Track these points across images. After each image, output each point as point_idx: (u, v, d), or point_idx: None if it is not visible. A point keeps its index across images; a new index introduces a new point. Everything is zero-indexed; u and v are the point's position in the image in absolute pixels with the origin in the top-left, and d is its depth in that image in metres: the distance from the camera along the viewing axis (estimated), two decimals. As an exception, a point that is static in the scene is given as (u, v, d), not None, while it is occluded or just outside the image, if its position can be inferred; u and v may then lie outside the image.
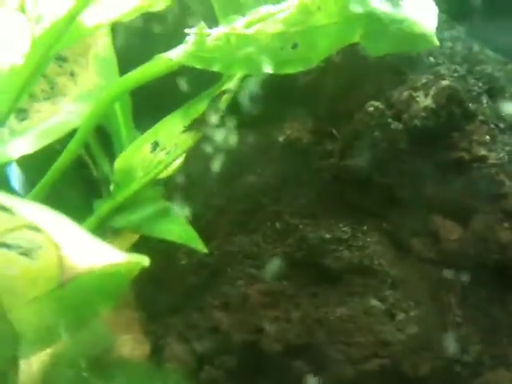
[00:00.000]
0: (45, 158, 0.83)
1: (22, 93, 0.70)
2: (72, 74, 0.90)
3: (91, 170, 0.97)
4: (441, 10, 0.83)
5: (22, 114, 0.86)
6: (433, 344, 0.70)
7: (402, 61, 0.74)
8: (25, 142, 0.83)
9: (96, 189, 0.95)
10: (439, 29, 0.80)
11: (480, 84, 0.75)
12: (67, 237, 0.49)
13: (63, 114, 0.87)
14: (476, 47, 0.84)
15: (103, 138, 0.93)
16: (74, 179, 0.98)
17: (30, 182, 0.97)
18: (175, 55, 0.72)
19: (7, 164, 0.86)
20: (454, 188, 0.71)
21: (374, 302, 0.69)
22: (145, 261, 0.53)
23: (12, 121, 0.85)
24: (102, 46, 0.89)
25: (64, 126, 0.85)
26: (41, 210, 0.55)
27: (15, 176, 1.06)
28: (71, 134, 0.81)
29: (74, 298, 0.60)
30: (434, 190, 0.72)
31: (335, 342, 0.69)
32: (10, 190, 0.98)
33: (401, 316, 0.69)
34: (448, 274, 0.71)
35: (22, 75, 0.68)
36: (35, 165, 0.86)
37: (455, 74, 0.73)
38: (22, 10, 0.65)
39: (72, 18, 0.65)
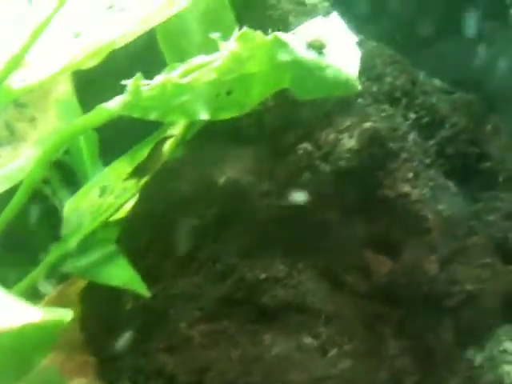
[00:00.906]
0: (5, 202, 0.84)
1: None
2: (32, 120, 0.91)
3: (56, 212, 0.98)
4: (387, 43, 0.86)
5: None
6: (368, 377, 0.71)
7: (331, 103, 0.76)
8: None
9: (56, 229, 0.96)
10: (382, 63, 0.83)
11: (413, 118, 0.77)
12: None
13: (22, 159, 0.89)
14: (421, 78, 0.86)
15: (70, 177, 0.94)
16: (35, 220, 0.99)
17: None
18: (113, 105, 0.73)
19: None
20: (382, 224, 0.73)
21: (308, 339, 0.70)
22: (66, 316, 0.53)
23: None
24: (63, 90, 0.91)
25: (23, 170, 0.87)
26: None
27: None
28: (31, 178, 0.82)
29: (12, 349, 0.60)
30: (363, 226, 0.73)
31: (271, 381, 0.70)
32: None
33: (333, 351, 0.70)
34: (381, 306, 0.72)
35: None
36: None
37: (382, 114, 0.75)
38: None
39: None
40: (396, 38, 0.85)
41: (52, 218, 0.97)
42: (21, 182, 0.85)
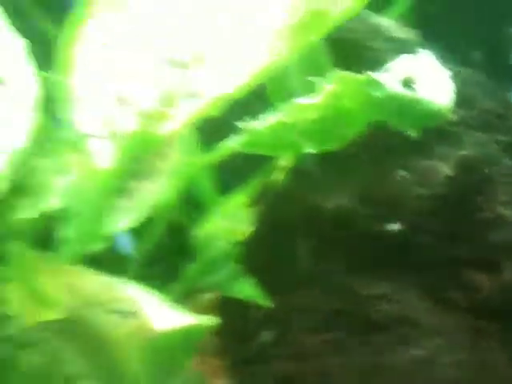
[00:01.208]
0: (146, 227, 0.99)
1: (115, 188, 0.87)
2: (165, 156, 1.05)
3: (185, 235, 1.12)
4: (483, 71, 0.89)
5: (125, 192, 1.03)
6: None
7: (427, 132, 0.81)
8: (128, 216, 1.00)
9: (189, 251, 1.09)
10: (476, 92, 0.87)
11: (505, 142, 0.80)
12: (150, 305, 0.63)
13: (157, 189, 1.03)
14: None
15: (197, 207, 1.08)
16: (171, 244, 1.13)
17: (138, 244, 1.14)
18: (233, 143, 0.85)
19: (115, 235, 1.03)
20: (482, 244, 0.76)
21: (416, 351, 0.75)
22: (213, 320, 0.64)
23: (117, 199, 1.02)
24: (185, 126, 1.04)
25: (158, 199, 1.01)
26: (132, 286, 0.70)
27: (125, 241, 1.23)
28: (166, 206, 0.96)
29: (164, 350, 0.73)
30: (464, 247, 0.78)
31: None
32: (118, 255, 1.16)
33: (442, 362, 0.74)
34: (484, 321, 0.75)
35: (114, 176, 0.85)
36: (140, 232, 1.01)
37: (476, 141, 0.79)
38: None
39: (145, 132, 0.82)
40: (487, 65, 0.88)
41: (180, 243, 1.12)
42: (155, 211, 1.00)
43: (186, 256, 1.08)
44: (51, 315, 0.78)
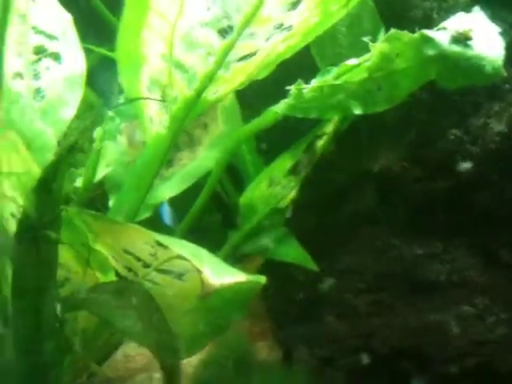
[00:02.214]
0: (188, 197, 0.98)
1: (166, 153, 0.86)
2: (205, 126, 1.04)
3: (226, 204, 1.11)
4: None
5: (168, 163, 1.02)
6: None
7: (478, 90, 0.78)
8: (172, 186, 0.99)
9: (230, 219, 1.09)
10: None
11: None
12: (205, 264, 0.62)
13: (199, 160, 1.02)
14: None
15: (236, 177, 1.07)
16: (215, 212, 1.13)
17: (179, 216, 1.13)
18: (280, 108, 0.83)
19: (159, 204, 1.02)
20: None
21: (466, 308, 0.73)
22: (262, 279, 0.63)
23: (161, 169, 1.02)
24: (227, 98, 1.03)
25: (200, 169, 1.00)
26: (185, 245, 0.69)
27: (167, 212, 1.23)
28: (208, 175, 0.95)
29: (216, 309, 0.73)
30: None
31: (434, 344, 0.74)
32: (162, 225, 1.16)
33: (491, 319, 0.72)
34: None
35: (165, 141, 0.84)
36: (182, 203, 1.01)
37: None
38: (162, 95, 0.80)
39: (198, 96, 0.80)
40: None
41: (222, 211, 1.11)
42: (199, 179, 0.99)
43: (231, 224, 1.08)
44: (107, 277, 0.79)
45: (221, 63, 0.77)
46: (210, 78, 0.78)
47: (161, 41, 0.78)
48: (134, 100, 0.82)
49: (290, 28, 0.76)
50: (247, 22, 0.74)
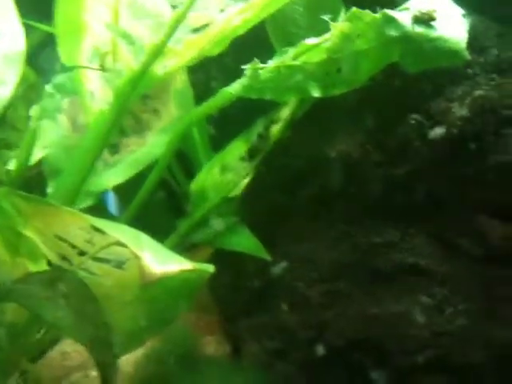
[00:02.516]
0: (135, 184, 0.91)
1: (110, 133, 0.79)
2: (155, 110, 0.97)
3: (175, 191, 1.05)
4: (491, 18, 0.83)
5: (114, 148, 0.95)
6: (484, 335, 0.70)
7: (440, 74, 0.76)
8: (117, 173, 0.92)
9: (179, 207, 1.03)
10: (487, 37, 0.81)
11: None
12: (146, 250, 0.56)
13: (148, 146, 0.96)
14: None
15: (185, 163, 1.00)
16: (160, 200, 1.07)
17: (124, 205, 1.06)
18: (234, 89, 0.78)
19: (103, 192, 0.95)
20: (495, 189, 0.71)
21: (424, 299, 0.71)
22: (210, 268, 0.58)
23: (105, 155, 0.94)
24: (180, 81, 0.96)
25: (149, 156, 0.93)
26: (124, 229, 0.62)
27: (112, 201, 1.16)
28: (156, 163, 0.89)
29: (159, 300, 0.67)
30: (476, 192, 0.72)
31: (392, 336, 0.71)
32: (106, 213, 1.08)
33: (450, 310, 0.70)
34: (495, 269, 0.71)
35: (108, 119, 0.77)
36: (128, 191, 0.94)
37: (492, 83, 0.73)
38: (103, 67, 0.73)
39: (145, 70, 0.73)
40: (498, 12, 0.82)
41: (170, 198, 1.05)
42: (147, 167, 0.93)
43: (179, 212, 1.02)
44: (38, 266, 0.72)
45: (171, 34, 0.71)
46: (159, 50, 0.72)
47: (105, 7, 0.71)
48: (70, 69, 0.75)
49: (246, -1, 0.70)
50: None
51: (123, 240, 0.57)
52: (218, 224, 0.87)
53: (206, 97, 0.84)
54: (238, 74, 0.76)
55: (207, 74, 0.97)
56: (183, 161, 1.00)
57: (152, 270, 0.53)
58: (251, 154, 0.88)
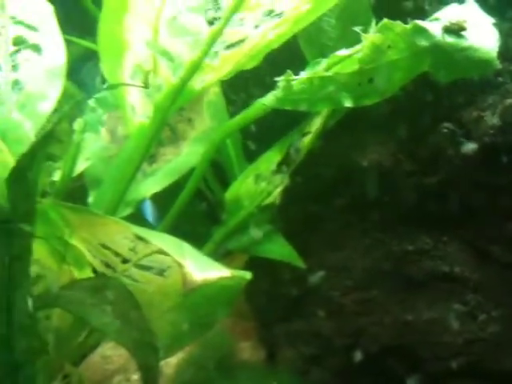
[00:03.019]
0: (172, 193, 0.94)
1: (150, 145, 0.81)
2: (190, 120, 1.00)
3: (210, 200, 1.08)
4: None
5: (151, 158, 0.98)
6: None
7: (471, 83, 0.76)
8: (154, 182, 0.95)
9: (214, 215, 1.05)
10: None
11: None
12: (188, 258, 0.58)
13: (183, 156, 0.98)
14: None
15: (221, 172, 1.03)
16: (198, 209, 1.09)
17: (161, 213, 1.09)
18: (268, 100, 0.80)
19: (142, 201, 0.98)
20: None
21: (457, 306, 0.71)
22: (248, 275, 0.60)
23: (143, 164, 0.98)
24: (213, 93, 0.99)
25: (185, 165, 0.96)
26: (167, 238, 0.65)
27: (149, 210, 1.19)
28: (192, 171, 0.91)
29: (199, 306, 0.69)
30: (507, 200, 0.72)
31: (425, 343, 0.72)
32: (144, 222, 1.11)
33: (483, 317, 0.70)
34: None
35: (148, 132, 0.80)
36: (165, 199, 0.97)
37: (522, 92, 0.74)
38: (146, 83, 0.76)
39: (183, 84, 0.76)
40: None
41: (206, 208, 1.07)
42: (183, 175, 0.95)
43: (214, 220, 1.04)
44: (83, 273, 0.75)
45: (208, 50, 0.74)
46: (197, 66, 0.75)
47: (145, 26, 0.75)
48: (115, 86, 0.78)
49: (280, 15, 0.73)
50: (236, 8, 0.71)
51: (166, 248, 0.59)
52: (253, 232, 0.89)
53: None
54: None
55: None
56: (217, 171, 1.03)
57: (193, 277, 0.55)
58: (284, 164, 0.90)
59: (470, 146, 0.72)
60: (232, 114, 0.92)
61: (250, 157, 0.96)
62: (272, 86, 0.77)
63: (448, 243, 0.75)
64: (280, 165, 0.90)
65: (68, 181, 0.90)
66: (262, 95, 0.80)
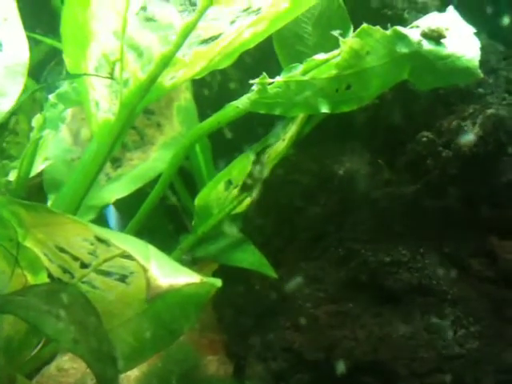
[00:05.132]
0: (137, 200, 0.89)
1: (114, 144, 0.77)
2: (158, 125, 0.96)
3: (177, 207, 1.03)
4: (498, 40, 0.83)
5: (117, 162, 0.93)
6: (495, 358, 0.68)
7: (451, 92, 0.75)
8: (119, 187, 0.90)
9: (181, 223, 1.01)
10: (495, 59, 0.80)
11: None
12: (153, 261, 0.54)
13: (151, 161, 0.94)
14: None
15: (188, 179, 0.99)
16: (164, 216, 1.04)
17: (125, 220, 1.04)
18: (242, 103, 0.76)
19: (105, 206, 0.93)
20: (507, 209, 0.70)
21: (435, 320, 0.68)
22: (218, 282, 0.56)
23: (108, 169, 0.93)
24: (184, 98, 0.95)
25: (152, 171, 0.92)
26: (131, 240, 0.60)
27: (112, 216, 1.14)
28: (159, 177, 0.87)
29: (163, 316, 0.64)
30: (487, 212, 0.71)
31: (399, 358, 0.69)
32: (107, 228, 1.06)
33: (461, 332, 0.68)
34: (507, 292, 0.69)
35: (113, 129, 0.75)
36: (129, 206, 0.92)
37: (503, 102, 0.73)
38: (111, 76, 0.72)
39: (152, 80, 0.72)
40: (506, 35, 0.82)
41: (172, 214, 1.03)
42: (150, 181, 0.91)
43: (182, 227, 1.00)
44: (38, 278, 0.69)
45: (180, 45, 0.69)
46: (168, 61, 0.71)
47: (113, 15, 0.69)
48: (76, 76, 0.73)
49: (257, 12, 0.69)
50: (211, 0, 0.67)
51: (130, 251, 0.55)
52: (222, 239, 0.85)
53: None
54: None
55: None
56: (184, 177, 0.99)
57: (159, 283, 0.50)
58: (256, 170, 0.86)
59: (449, 156, 0.70)
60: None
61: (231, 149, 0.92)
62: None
63: (426, 255, 0.72)
64: (252, 171, 0.87)
65: (25, 180, 0.85)
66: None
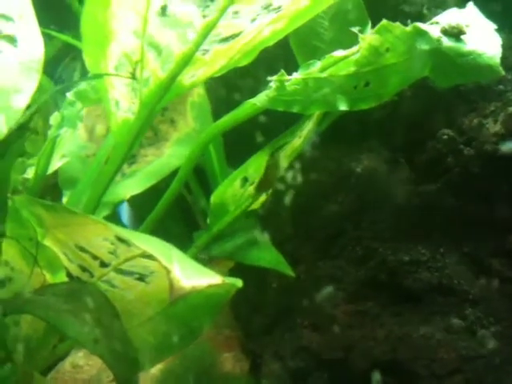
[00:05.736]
0: (151, 196, 0.89)
1: (133, 143, 0.76)
2: (172, 121, 0.95)
3: (191, 205, 1.03)
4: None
5: (131, 159, 0.93)
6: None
7: (471, 90, 0.74)
8: (134, 184, 0.90)
9: (195, 221, 1.00)
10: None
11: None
12: (176, 263, 0.53)
13: (165, 157, 0.94)
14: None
15: (201, 176, 0.98)
16: (176, 213, 1.04)
17: (139, 218, 1.04)
18: (259, 100, 0.76)
19: (119, 203, 0.93)
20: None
21: (455, 320, 0.68)
22: (239, 283, 0.55)
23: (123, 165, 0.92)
24: (197, 94, 0.94)
25: (166, 167, 0.91)
26: (152, 241, 0.60)
27: (126, 213, 1.13)
28: (173, 174, 0.87)
29: (183, 315, 0.64)
30: (508, 211, 0.70)
31: (419, 359, 0.68)
32: (121, 225, 1.06)
33: (481, 332, 0.67)
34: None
35: (133, 129, 0.75)
36: (143, 202, 0.92)
37: (525, 100, 0.71)
38: (133, 75, 0.71)
39: (172, 79, 0.71)
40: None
41: (186, 212, 1.02)
42: (164, 178, 0.90)
43: (194, 225, 0.99)
44: (57, 278, 0.69)
45: (200, 43, 0.69)
46: (188, 60, 0.70)
47: (133, 14, 0.69)
48: (98, 76, 0.72)
49: (278, 9, 0.68)
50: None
51: (152, 252, 0.54)
52: (238, 237, 0.85)
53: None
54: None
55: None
56: (198, 174, 0.98)
57: (182, 284, 0.50)
58: (273, 167, 0.85)
59: (471, 154, 0.69)
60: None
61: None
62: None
63: (446, 254, 0.72)
64: (268, 168, 0.86)
65: (42, 178, 0.85)
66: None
